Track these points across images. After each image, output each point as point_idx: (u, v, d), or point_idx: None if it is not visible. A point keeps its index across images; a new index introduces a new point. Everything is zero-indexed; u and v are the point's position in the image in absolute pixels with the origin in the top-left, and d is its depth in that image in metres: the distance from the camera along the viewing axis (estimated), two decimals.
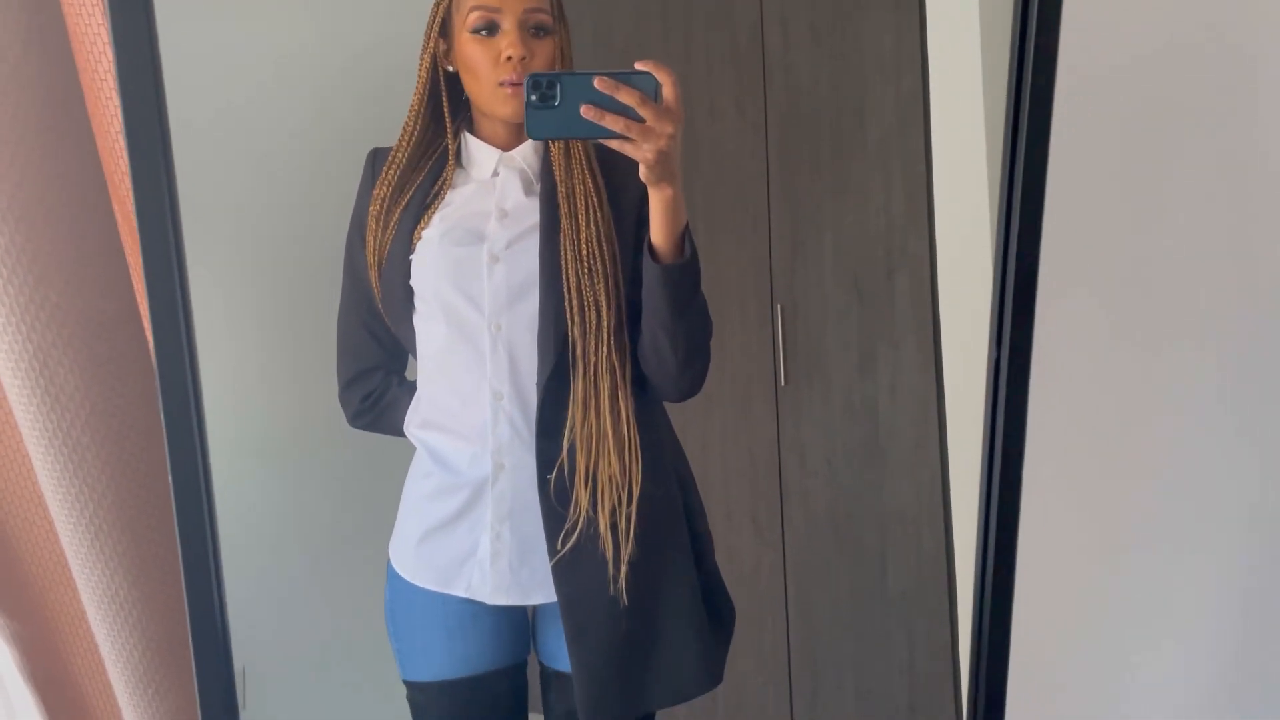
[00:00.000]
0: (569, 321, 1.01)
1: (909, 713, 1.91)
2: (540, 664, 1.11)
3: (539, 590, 1.05)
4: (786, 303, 2.00)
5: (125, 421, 1.16)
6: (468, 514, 1.06)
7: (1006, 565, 0.89)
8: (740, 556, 2.14)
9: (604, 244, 1.02)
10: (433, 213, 1.09)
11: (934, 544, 1.92)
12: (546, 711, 1.11)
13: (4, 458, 1.20)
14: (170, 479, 1.00)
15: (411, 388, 1.14)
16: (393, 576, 1.12)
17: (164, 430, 0.98)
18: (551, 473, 1.02)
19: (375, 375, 1.18)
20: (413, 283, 1.08)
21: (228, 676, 1.00)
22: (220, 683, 0.99)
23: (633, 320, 1.04)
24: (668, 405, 1.22)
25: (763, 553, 2.09)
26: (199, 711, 0.98)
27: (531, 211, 1.06)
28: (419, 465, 1.11)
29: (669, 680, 1.06)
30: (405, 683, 1.10)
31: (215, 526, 1.02)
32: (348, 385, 1.20)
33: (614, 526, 1.01)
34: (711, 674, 1.08)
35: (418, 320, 1.08)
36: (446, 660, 1.07)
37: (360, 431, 2.13)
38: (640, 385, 1.06)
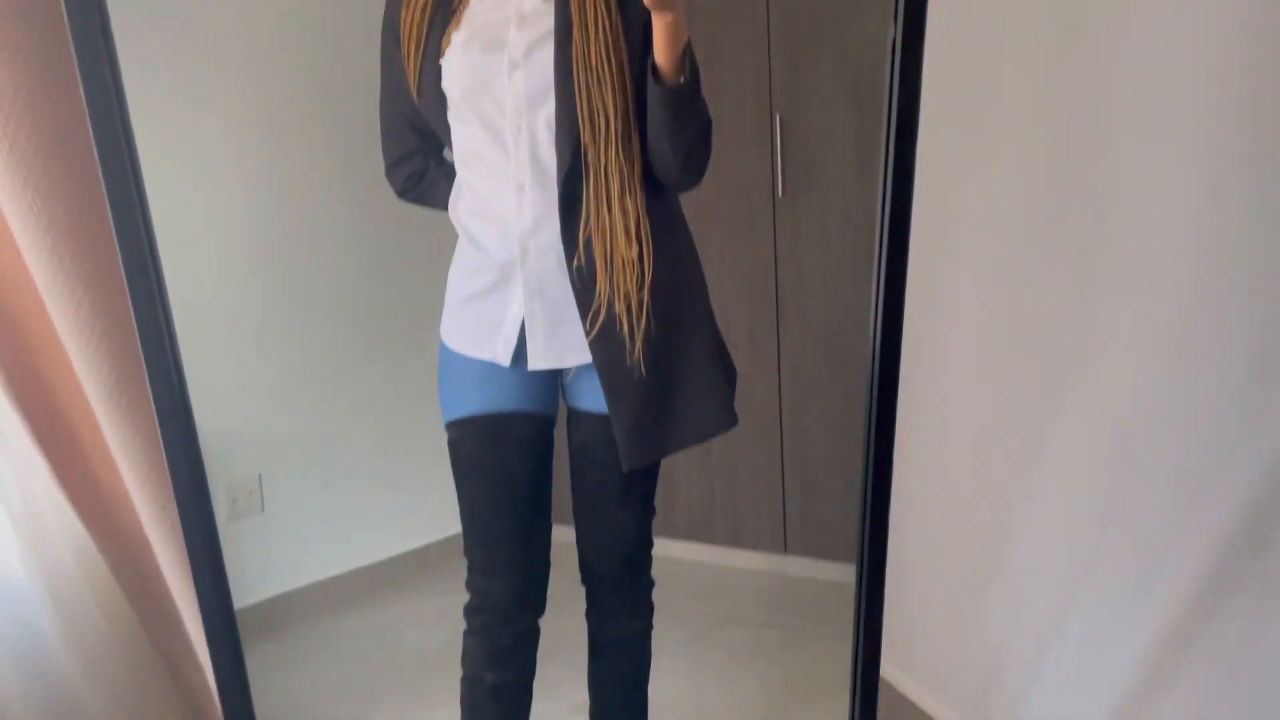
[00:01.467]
0: (579, 126, 1.09)
1: None
2: (568, 406, 1.21)
3: (570, 354, 1.16)
4: (786, 113, 1.98)
5: (68, 129, 1.14)
6: (496, 291, 1.16)
7: (891, 349, 0.96)
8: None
9: (612, 54, 1.08)
10: (459, 18, 1.13)
11: None
12: (569, 444, 1.24)
13: None
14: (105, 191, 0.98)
15: (450, 169, 1.22)
16: (441, 343, 1.21)
17: (94, 148, 0.96)
18: (574, 260, 1.11)
19: (415, 159, 1.27)
20: (443, 86, 1.14)
21: (181, 393, 1.02)
22: (174, 398, 1.01)
23: (643, 122, 1.11)
24: None
25: (759, 371, 2.16)
26: (156, 422, 1.00)
27: (547, 15, 1.11)
28: (461, 247, 1.22)
29: (694, 424, 1.19)
30: (446, 427, 1.20)
31: (153, 236, 1.02)
32: (391, 168, 1.29)
33: (629, 307, 1.11)
34: (729, 417, 1.20)
35: (451, 119, 1.15)
36: (478, 400, 1.19)
37: (370, 246, 2.16)
38: (652, 179, 1.13)
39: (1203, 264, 1.12)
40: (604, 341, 1.12)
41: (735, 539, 2.21)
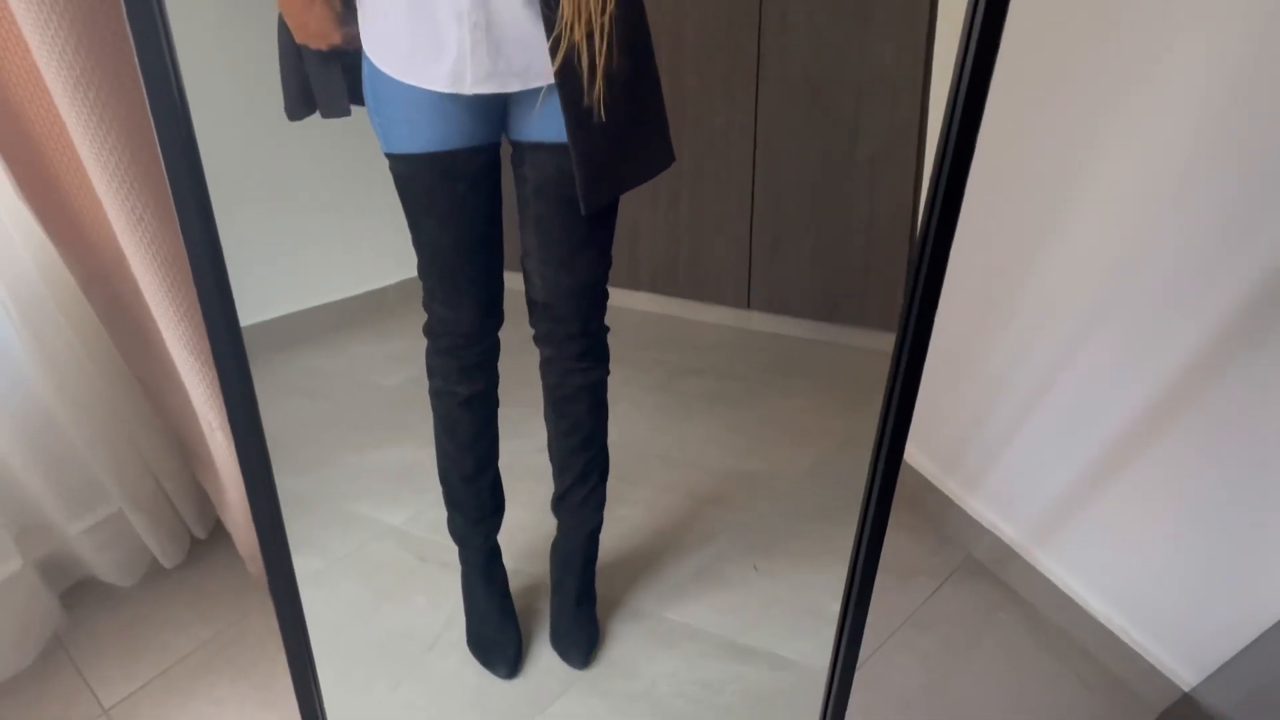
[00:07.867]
0: None
1: (863, 272, 2.01)
2: (512, 142, 1.15)
3: (515, 79, 1.09)
4: None
5: None
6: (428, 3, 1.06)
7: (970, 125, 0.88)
8: (710, 119, 2.10)
9: None
10: None
11: (910, 110, 1.89)
12: (518, 182, 1.21)
13: None
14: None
15: None
16: (365, 57, 1.11)
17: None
18: None
19: None
20: None
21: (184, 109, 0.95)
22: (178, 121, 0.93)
23: None
24: None
25: (734, 115, 2.06)
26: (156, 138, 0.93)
27: None
28: None
29: (645, 160, 1.16)
30: (387, 155, 1.14)
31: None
32: None
33: (589, 35, 1.04)
34: (669, 155, 1.18)
35: None
36: (424, 135, 1.14)
37: None
38: None
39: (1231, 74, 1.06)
40: (567, 73, 1.05)
41: (698, 292, 2.21)
